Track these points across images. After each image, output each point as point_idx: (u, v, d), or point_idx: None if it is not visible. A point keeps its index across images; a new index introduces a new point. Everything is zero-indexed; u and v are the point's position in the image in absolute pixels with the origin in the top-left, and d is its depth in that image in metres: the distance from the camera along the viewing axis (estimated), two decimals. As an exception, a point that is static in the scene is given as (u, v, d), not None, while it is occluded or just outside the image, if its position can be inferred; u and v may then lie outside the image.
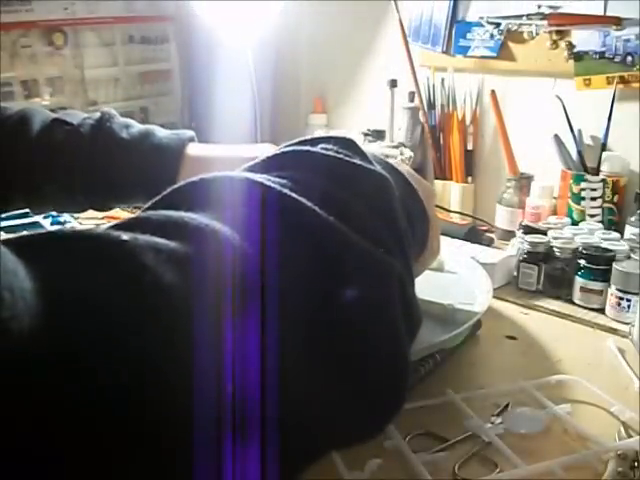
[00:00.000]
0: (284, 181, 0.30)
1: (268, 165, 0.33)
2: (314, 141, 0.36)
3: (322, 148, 0.35)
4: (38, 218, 0.95)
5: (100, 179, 0.62)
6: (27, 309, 0.19)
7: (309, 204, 0.29)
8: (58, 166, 0.62)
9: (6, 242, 0.21)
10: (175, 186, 0.30)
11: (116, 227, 0.25)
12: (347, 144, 0.36)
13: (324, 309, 0.28)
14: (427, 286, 0.71)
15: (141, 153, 0.62)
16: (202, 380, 0.22)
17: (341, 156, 0.34)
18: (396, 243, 0.33)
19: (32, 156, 0.62)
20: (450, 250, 0.82)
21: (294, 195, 0.29)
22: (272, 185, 0.29)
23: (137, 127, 0.64)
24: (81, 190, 0.63)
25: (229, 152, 0.64)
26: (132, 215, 0.26)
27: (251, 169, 0.34)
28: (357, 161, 0.34)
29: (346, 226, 0.29)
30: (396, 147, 1.04)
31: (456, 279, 0.76)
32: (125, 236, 0.23)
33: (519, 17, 1.01)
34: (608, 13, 0.92)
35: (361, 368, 0.29)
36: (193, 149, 0.64)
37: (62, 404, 0.19)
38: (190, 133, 0.65)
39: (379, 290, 0.30)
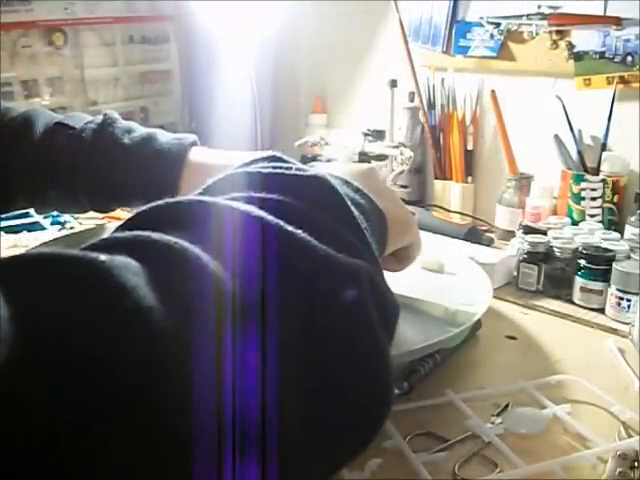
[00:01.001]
0: (244, 201, 0.30)
1: (213, 190, 0.34)
2: (247, 165, 0.36)
3: (257, 167, 0.35)
4: (38, 218, 0.95)
5: (101, 184, 0.62)
6: (3, 337, 0.18)
7: (275, 220, 0.29)
8: (60, 170, 0.62)
9: None
10: (142, 208, 0.30)
11: (93, 247, 0.24)
12: (277, 159, 0.36)
13: (302, 320, 0.28)
14: (427, 287, 0.71)
15: (142, 158, 0.62)
16: (188, 402, 0.21)
17: (282, 170, 0.34)
18: (360, 241, 0.33)
19: (34, 159, 0.62)
20: (450, 251, 0.82)
21: (263, 214, 0.29)
22: (241, 207, 0.29)
23: (139, 131, 0.64)
24: (83, 194, 0.63)
25: (230, 159, 0.64)
26: (104, 237, 0.26)
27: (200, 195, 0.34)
28: (298, 172, 0.35)
29: (309, 234, 0.29)
30: (396, 147, 1.04)
31: (456, 280, 0.76)
32: (103, 257, 0.22)
33: (519, 17, 1.01)
34: (608, 13, 0.92)
35: (344, 372, 0.29)
36: (195, 155, 0.64)
37: (41, 435, 0.18)
38: (192, 138, 0.65)
39: (352, 295, 0.30)
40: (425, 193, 1.19)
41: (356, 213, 0.35)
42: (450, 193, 1.12)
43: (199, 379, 0.22)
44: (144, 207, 0.30)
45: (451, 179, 1.12)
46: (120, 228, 0.29)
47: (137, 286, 0.22)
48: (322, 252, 0.29)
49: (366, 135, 1.08)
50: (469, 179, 1.12)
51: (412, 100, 1.14)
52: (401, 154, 1.01)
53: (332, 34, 1.31)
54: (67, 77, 1.25)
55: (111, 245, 0.24)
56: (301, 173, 0.35)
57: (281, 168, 0.35)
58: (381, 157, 1.05)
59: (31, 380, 0.19)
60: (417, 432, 0.52)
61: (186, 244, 0.25)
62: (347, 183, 0.39)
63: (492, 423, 0.53)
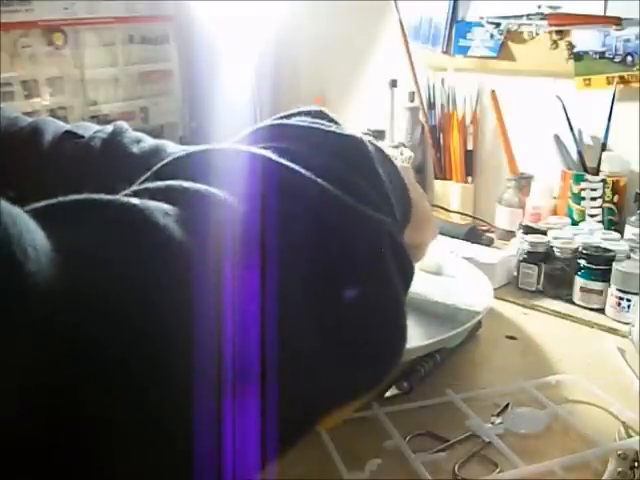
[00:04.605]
0: (270, 151, 0.32)
1: (251, 140, 0.35)
2: (288, 117, 0.38)
3: (297, 120, 0.37)
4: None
5: (109, 193, 0.62)
6: (48, 264, 0.20)
7: (303, 171, 0.30)
8: (68, 179, 0.62)
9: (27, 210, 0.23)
10: (168, 159, 0.32)
11: (126, 196, 0.26)
12: (320, 115, 0.38)
13: (323, 268, 0.29)
14: (427, 290, 0.71)
15: (150, 169, 0.62)
16: (204, 333, 0.23)
17: (317, 125, 0.36)
18: (382, 199, 0.35)
19: (43, 169, 0.62)
20: (449, 252, 0.82)
21: (288, 163, 0.30)
22: (268, 155, 0.31)
23: (148, 142, 0.64)
24: None
25: None
26: (134, 188, 0.28)
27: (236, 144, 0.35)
28: (333, 128, 0.36)
29: (333, 186, 0.31)
30: (396, 147, 1.04)
31: (456, 283, 0.76)
32: (134, 200, 0.25)
33: (519, 17, 1.01)
34: (608, 13, 0.92)
35: (358, 317, 0.30)
36: None
37: (74, 362, 0.19)
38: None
39: (373, 247, 0.31)
40: (425, 193, 1.19)
41: (386, 182, 0.36)
42: (450, 193, 1.12)
43: (224, 310, 0.24)
44: (170, 157, 0.32)
45: (451, 179, 1.12)
46: (149, 178, 0.31)
47: (167, 224, 0.24)
48: (349, 205, 0.31)
49: (366, 135, 1.08)
50: (469, 179, 1.12)
51: (412, 100, 1.14)
52: (401, 154, 1.01)
53: (332, 34, 1.31)
54: (67, 77, 1.25)
55: (144, 193, 0.26)
56: (340, 131, 0.36)
57: (321, 125, 0.36)
58: (381, 157, 1.05)
59: (70, 305, 0.20)
60: (417, 432, 0.52)
61: (216, 191, 0.27)
62: (387, 157, 0.41)
63: (492, 423, 0.53)
